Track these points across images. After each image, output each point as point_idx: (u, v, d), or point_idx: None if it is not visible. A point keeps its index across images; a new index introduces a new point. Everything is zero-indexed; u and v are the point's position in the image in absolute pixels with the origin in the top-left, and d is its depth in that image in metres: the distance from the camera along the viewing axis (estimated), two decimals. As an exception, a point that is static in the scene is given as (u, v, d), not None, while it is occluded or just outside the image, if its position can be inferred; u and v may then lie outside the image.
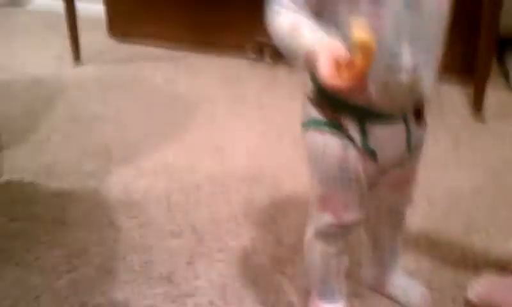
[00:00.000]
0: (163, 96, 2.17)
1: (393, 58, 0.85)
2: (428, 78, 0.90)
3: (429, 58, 0.88)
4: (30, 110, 2.06)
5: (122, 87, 2.24)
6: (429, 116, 1.89)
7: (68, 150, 1.83)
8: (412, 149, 0.99)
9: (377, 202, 1.11)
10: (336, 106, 0.92)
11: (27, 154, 1.80)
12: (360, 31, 0.72)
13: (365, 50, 0.73)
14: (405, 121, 0.94)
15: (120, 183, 1.68)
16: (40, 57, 2.50)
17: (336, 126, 0.93)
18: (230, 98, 2.16)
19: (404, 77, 0.86)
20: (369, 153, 0.94)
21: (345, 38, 0.78)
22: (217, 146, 1.85)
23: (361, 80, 0.77)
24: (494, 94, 2.09)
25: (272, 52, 2.37)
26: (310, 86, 0.96)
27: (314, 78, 0.92)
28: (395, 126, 0.94)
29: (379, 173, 1.00)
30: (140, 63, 2.45)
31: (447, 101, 2.09)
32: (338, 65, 0.76)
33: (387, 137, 0.94)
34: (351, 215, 1.02)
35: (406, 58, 0.85)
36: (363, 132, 0.93)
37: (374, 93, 0.88)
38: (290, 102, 2.10)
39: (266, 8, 0.90)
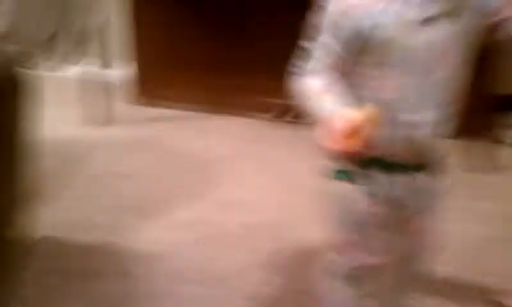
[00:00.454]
0: (188, 156, 2.29)
1: (407, 116, 0.96)
2: (438, 135, 1.00)
3: (439, 117, 0.98)
4: (63, 169, 2.17)
5: (148, 148, 2.36)
6: (444, 173, 1.98)
7: (100, 206, 1.92)
8: (430, 199, 1.08)
9: (399, 248, 1.18)
10: (367, 159, 1.01)
11: (62, 210, 1.90)
12: (367, 107, 0.84)
13: (371, 122, 0.84)
14: (423, 174, 1.04)
15: (151, 236, 1.76)
16: (69, 119, 2.64)
17: (365, 176, 1.03)
18: (252, 156, 2.27)
19: (422, 132, 0.97)
20: (395, 200, 1.04)
21: (361, 97, 0.90)
22: (241, 201, 1.94)
23: (365, 145, 0.87)
24: (487, 148, 2.21)
25: (292, 113, 2.50)
26: None
27: None
28: (418, 176, 1.03)
29: (400, 219, 1.09)
30: (166, 125, 2.59)
31: (458, 158, 2.19)
32: (346, 132, 0.86)
33: (411, 186, 1.04)
34: (373, 259, 1.09)
35: (418, 115, 0.96)
36: (389, 181, 1.02)
37: (400, 146, 0.98)
38: (308, 159, 2.21)
39: (291, 70, 1.01)
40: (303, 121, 2.42)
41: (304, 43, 0.99)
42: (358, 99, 0.93)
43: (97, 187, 2.05)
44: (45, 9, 1.50)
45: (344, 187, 1.05)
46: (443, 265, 1.55)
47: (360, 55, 0.95)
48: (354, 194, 1.05)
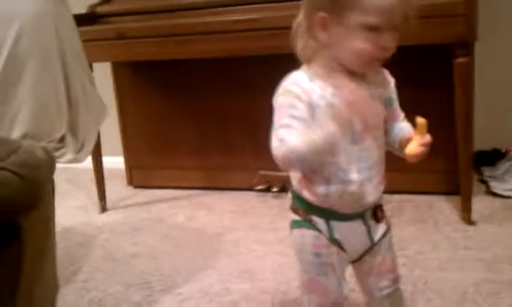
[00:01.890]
0: (188, 232, 2.43)
1: (345, 175, 1.17)
2: (372, 189, 1.20)
3: (372, 175, 1.19)
4: (69, 255, 2.28)
5: (149, 228, 2.50)
6: (426, 226, 2.19)
7: (112, 286, 2.03)
8: (375, 241, 1.26)
9: (369, 289, 1.32)
10: (308, 209, 1.23)
11: (75, 293, 2.00)
12: (419, 119, 1.13)
13: (422, 127, 1.13)
14: (364, 219, 1.23)
15: (165, 309, 1.88)
16: (66, 208, 2.77)
17: (309, 223, 1.23)
18: (247, 226, 2.43)
19: (353, 188, 1.17)
20: (336, 243, 1.23)
21: None
22: (246, 269, 2.07)
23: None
24: (478, 200, 2.43)
25: (278, 183, 2.68)
26: (291, 198, 1.27)
27: (294, 192, 1.25)
28: (355, 223, 1.23)
29: (353, 261, 1.28)
30: (160, 205, 2.74)
31: (441, 211, 2.41)
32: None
33: (349, 231, 1.23)
34: (331, 297, 1.27)
35: (354, 175, 1.17)
36: (329, 227, 1.22)
37: (335, 199, 1.19)
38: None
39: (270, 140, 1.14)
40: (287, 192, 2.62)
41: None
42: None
43: (106, 268, 2.16)
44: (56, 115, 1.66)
45: (297, 233, 1.26)
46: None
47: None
48: (302, 239, 1.25)
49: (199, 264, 2.14)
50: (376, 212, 1.26)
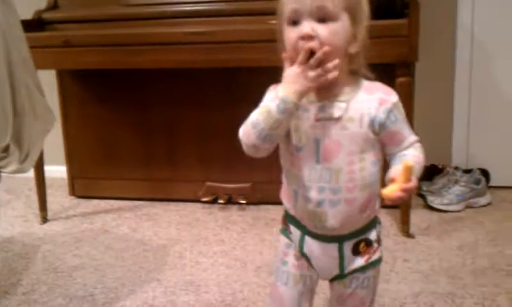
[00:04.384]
0: (132, 243, 2.40)
1: (306, 192, 1.18)
2: (334, 215, 1.17)
3: (338, 200, 1.17)
4: (9, 267, 2.22)
5: (92, 239, 2.46)
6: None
7: (54, 299, 1.98)
8: (346, 271, 1.24)
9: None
10: (288, 218, 1.27)
11: (16, 306, 1.94)
12: (405, 162, 1.06)
13: (406, 171, 1.05)
14: (340, 245, 1.22)
15: (109, 322, 1.85)
16: (6, 218, 2.69)
17: (286, 232, 1.28)
18: (192, 238, 2.43)
19: (311, 206, 1.18)
20: (305, 258, 1.24)
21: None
22: (190, 281, 2.07)
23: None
24: (417, 213, 2.54)
25: (224, 195, 2.70)
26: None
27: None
28: (328, 245, 1.22)
29: (329, 281, 1.27)
30: (104, 216, 2.70)
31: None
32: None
33: (318, 250, 1.23)
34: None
35: (313, 194, 1.17)
36: (301, 240, 1.24)
37: (300, 214, 1.21)
38: (244, 236, 2.41)
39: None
40: (234, 202, 2.65)
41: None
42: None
43: (48, 280, 2.11)
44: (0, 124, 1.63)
45: (278, 237, 1.30)
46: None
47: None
48: (278, 244, 1.30)
49: (143, 276, 2.12)
50: (358, 245, 1.23)
